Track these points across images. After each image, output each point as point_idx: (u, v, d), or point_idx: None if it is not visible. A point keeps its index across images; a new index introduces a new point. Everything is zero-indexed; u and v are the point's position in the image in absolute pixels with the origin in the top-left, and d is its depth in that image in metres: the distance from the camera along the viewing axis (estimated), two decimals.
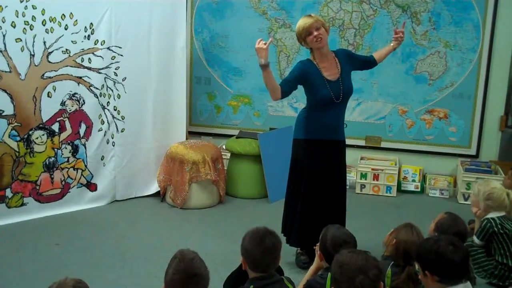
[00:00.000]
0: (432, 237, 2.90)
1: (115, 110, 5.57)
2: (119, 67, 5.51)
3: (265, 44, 3.87)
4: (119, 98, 5.57)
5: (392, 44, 4.50)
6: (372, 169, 6.17)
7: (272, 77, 3.98)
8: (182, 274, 2.53)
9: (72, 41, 5.21)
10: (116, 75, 5.51)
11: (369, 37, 6.18)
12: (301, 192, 4.25)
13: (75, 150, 5.41)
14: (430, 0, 5.99)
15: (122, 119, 5.62)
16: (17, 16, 4.89)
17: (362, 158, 6.37)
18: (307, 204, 4.23)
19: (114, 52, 5.46)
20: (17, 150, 5.08)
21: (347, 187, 6.23)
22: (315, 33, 4.03)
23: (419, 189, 6.23)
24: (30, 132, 5.13)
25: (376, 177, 6.16)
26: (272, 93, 4.03)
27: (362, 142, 6.45)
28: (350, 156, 6.34)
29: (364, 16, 6.16)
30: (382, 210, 5.74)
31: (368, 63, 4.49)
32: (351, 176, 6.32)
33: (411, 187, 6.25)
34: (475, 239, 4.18)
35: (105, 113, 5.52)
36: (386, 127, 6.37)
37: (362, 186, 6.20)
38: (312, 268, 3.38)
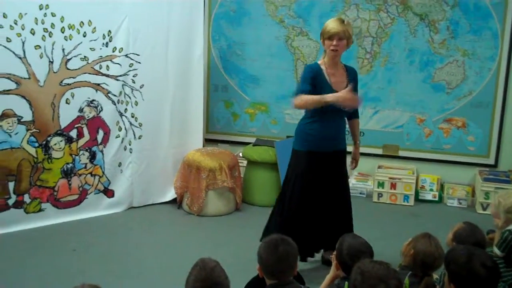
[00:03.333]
0: (464, 250, 2.80)
1: (132, 117, 5.60)
2: (136, 74, 5.54)
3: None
4: (136, 105, 5.60)
5: (357, 143, 4.47)
6: (390, 178, 6.14)
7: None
8: (204, 283, 2.53)
9: (90, 48, 5.25)
10: (134, 82, 5.54)
11: (387, 45, 6.16)
12: (298, 202, 4.16)
13: (92, 157, 5.44)
14: (448, 9, 5.96)
15: (140, 126, 5.65)
16: (36, 24, 4.93)
17: (379, 167, 6.34)
18: (305, 215, 4.15)
19: (132, 59, 5.48)
20: (36, 156, 5.12)
21: (364, 195, 6.26)
22: (335, 42, 4.02)
23: (437, 198, 6.17)
24: (49, 138, 5.16)
25: (393, 186, 6.12)
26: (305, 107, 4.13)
27: (379, 151, 6.41)
28: (367, 164, 6.34)
29: (382, 24, 6.14)
30: (399, 219, 5.70)
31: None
32: (368, 185, 6.29)
33: (428, 196, 6.20)
34: (496, 250, 4.12)
35: (122, 120, 5.55)
36: (403, 136, 6.34)
37: (379, 195, 6.17)
38: (328, 277, 3.36)
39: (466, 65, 6.04)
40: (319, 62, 4.19)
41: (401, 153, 6.39)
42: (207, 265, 2.60)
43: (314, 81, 4.07)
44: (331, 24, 4.03)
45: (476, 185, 6.12)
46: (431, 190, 6.22)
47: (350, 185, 6.25)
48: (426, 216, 5.80)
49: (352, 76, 4.23)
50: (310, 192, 4.15)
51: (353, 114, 4.35)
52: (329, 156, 4.17)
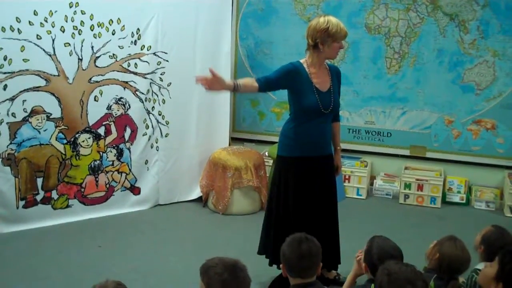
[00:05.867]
0: None
1: (159, 115, 5.63)
2: (164, 72, 5.56)
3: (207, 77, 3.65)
4: (164, 103, 5.62)
5: (338, 148, 4.18)
6: (417, 179, 6.08)
7: (246, 87, 3.76)
8: (226, 271, 2.51)
9: (119, 46, 5.29)
10: (161, 80, 5.57)
11: (416, 45, 6.10)
12: (290, 211, 3.95)
13: (119, 154, 5.48)
14: (478, 9, 5.88)
15: (167, 124, 5.67)
16: (66, 21, 4.99)
17: (406, 168, 6.28)
18: (299, 224, 3.82)
19: (160, 57, 5.51)
20: (64, 152, 5.18)
21: (390, 197, 6.22)
22: (342, 45, 3.87)
23: (464, 201, 6.10)
24: (77, 135, 5.22)
25: (420, 187, 6.07)
26: (251, 92, 3.87)
27: (406, 152, 6.35)
28: (394, 165, 6.31)
29: (411, 24, 6.08)
30: (426, 221, 5.64)
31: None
32: (395, 186, 6.25)
33: (456, 198, 6.13)
34: None
35: (149, 118, 5.58)
36: (431, 137, 6.27)
37: (406, 196, 6.11)
38: (350, 277, 3.35)
39: (496, 66, 5.96)
40: (301, 61, 3.95)
41: (429, 154, 6.32)
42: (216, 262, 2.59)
43: (294, 81, 3.85)
44: (343, 27, 3.82)
45: (504, 188, 6.03)
46: (459, 192, 6.15)
47: (376, 186, 6.28)
48: (453, 218, 5.74)
49: (335, 75, 4.02)
50: (303, 200, 3.94)
51: (335, 117, 4.11)
52: (318, 161, 3.96)
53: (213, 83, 3.69)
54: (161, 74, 5.55)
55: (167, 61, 5.55)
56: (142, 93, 5.48)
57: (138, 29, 5.36)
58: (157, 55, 5.50)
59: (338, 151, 4.20)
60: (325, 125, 3.98)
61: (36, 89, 4.95)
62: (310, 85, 3.87)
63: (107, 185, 5.47)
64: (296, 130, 3.93)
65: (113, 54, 5.27)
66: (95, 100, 5.26)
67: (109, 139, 5.41)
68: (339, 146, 4.21)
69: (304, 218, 3.93)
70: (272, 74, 3.89)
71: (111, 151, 5.44)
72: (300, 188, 3.94)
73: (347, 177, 6.26)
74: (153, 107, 5.58)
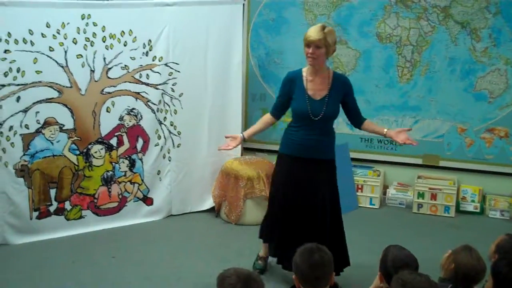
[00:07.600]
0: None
1: (171, 125, 5.64)
2: (176, 83, 5.58)
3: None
4: (175, 114, 5.64)
5: (385, 131, 4.20)
6: (430, 189, 6.04)
7: (257, 129, 4.47)
8: (239, 283, 2.51)
9: (131, 58, 5.31)
10: (173, 91, 5.58)
11: (427, 54, 6.08)
12: (278, 205, 4.27)
13: (132, 165, 5.49)
14: (490, 16, 5.85)
15: (178, 134, 5.68)
16: (79, 33, 5.02)
17: (419, 177, 6.24)
18: (285, 217, 4.19)
19: (172, 68, 5.53)
20: (77, 163, 5.20)
21: (403, 206, 6.18)
22: (311, 50, 3.94)
23: (478, 210, 6.06)
24: (89, 146, 5.24)
25: (433, 196, 6.03)
26: (267, 126, 4.45)
27: (419, 161, 6.31)
28: (407, 174, 6.27)
29: (422, 32, 6.06)
30: (440, 230, 5.61)
31: (354, 116, 4.25)
32: (408, 195, 6.21)
33: (470, 207, 6.09)
34: None
35: (161, 128, 5.59)
36: (444, 146, 6.23)
37: (419, 205, 6.08)
38: None
39: (509, 74, 5.92)
40: (303, 69, 4.16)
41: (442, 163, 6.28)
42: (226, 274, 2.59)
43: (290, 89, 4.13)
44: (310, 31, 3.98)
45: None
46: (473, 201, 6.10)
47: (389, 195, 6.25)
48: (467, 228, 5.70)
49: (338, 85, 4.11)
50: (288, 196, 4.17)
51: (360, 118, 4.26)
52: (305, 163, 4.11)
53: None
54: (172, 85, 5.57)
55: (178, 71, 5.56)
56: (154, 104, 5.50)
57: (150, 40, 5.38)
58: (169, 66, 5.51)
59: (388, 131, 4.21)
60: (316, 132, 4.10)
61: (48, 100, 4.98)
62: (303, 92, 4.08)
63: (120, 196, 5.49)
64: (289, 130, 4.20)
65: (125, 65, 5.30)
66: (107, 111, 5.28)
67: (121, 149, 5.43)
68: (385, 129, 4.24)
69: (289, 215, 4.16)
70: (276, 98, 4.39)
71: (123, 162, 5.45)
72: (285, 184, 4.18)
73: (360, 186, 6.23)
74: (165, 117, 5.60)
